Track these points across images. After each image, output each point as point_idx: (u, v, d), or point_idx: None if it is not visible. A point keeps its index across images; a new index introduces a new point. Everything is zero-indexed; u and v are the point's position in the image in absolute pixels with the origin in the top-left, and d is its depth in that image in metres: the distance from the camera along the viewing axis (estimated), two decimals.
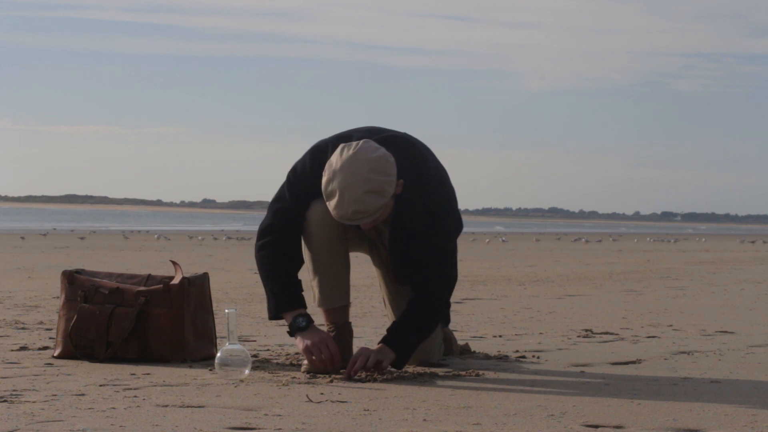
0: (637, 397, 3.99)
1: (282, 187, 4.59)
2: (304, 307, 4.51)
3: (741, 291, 10.54)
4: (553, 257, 20.29)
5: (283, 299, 4.51)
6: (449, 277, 4.55)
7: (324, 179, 4.28)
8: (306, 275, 4.60)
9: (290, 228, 4.55)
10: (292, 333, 4.50)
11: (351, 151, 4.26)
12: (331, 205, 4.27)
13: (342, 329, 4.60)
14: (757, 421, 3.54)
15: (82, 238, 28.01)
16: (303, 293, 4.53)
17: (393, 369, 4.48)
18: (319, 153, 4.51)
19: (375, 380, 4.30)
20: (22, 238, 27.13)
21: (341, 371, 4.47)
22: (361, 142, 4.30)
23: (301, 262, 4.59)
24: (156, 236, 31.13)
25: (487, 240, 35.83)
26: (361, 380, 4.29)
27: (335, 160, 4.27)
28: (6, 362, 4.70)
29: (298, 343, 4.46)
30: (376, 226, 4.61)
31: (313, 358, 4.41)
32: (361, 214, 4.25)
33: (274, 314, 4.53)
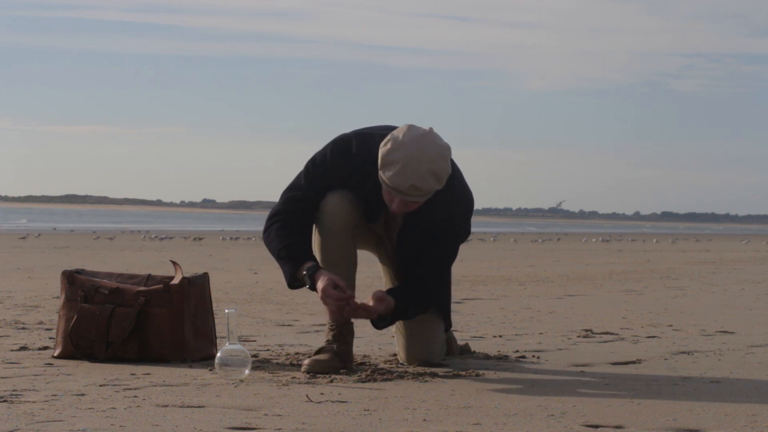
0: (637, 397, 3.99)
1: (298, 176, 4.61)
2: (311, 259, 4.49)
3: (741, 291, 10.54)
4: (554, 257, 20.29)
5: (291, 260, 4.49)
6: (443, 277, 4.64)
7: (386, 148, 4.32)
8: None
9: (301, 211, 4.56)
10: (306, 283, 4.47)
11: (420, 131, 4.34)
12: (387, 173, 4.30)
13: (343, 328, 4.59)
14: (757, 421, 3.54)
15: (111, 238, 27.87)
16: (310, 247, 4.53)
17: (401, 366, 4.60)
18: (342, 145, 4.54)
19: (375, 380, 4.30)
20: (23, 238, 27.12)
21: (342, 370, 4.48)
22: (429, 127, 4.38)
23: (309, 232, 4.58)
24: (142, 236, 31.05)
25: (537, 240, 36.40)
26: (361, 380, 4.30)
27: (402, 134, 4.33)
28: (6, 362, 4.70)
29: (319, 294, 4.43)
30: (388, 220, 4.62)
31: (333, 309, 4.43)
32: (416, 191, 4.30)
33: (289, 280, 4.53)
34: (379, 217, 4.59)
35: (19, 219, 59.01)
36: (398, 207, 4.39)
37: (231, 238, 29.78)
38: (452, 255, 4.62)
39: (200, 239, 29.00)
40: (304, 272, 4.46)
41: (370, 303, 4.45)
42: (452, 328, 5.09)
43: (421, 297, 4.59)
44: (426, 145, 4.30)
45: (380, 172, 4.35)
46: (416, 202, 4.39)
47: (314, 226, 4.59)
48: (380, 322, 4.56)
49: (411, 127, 4.36)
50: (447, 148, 4.36)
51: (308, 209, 4.57)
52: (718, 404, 3.84)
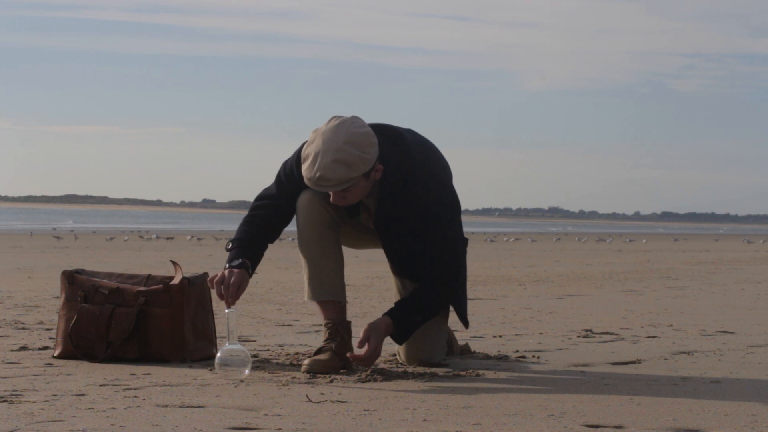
0: (637, 397, 3.99)
1: (276, 176, 4.65)
2: (252, 260, 4.54)
3: (741, 291, 10.54)
4: (553, 257, 20.29)
5: (231, 253, 4.55)
6: (451, 263, 4.55)
7: (306, 143, 4.35)
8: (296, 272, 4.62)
9: (265, 208, 4.62)
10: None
11: (337, 121, 4.33)
12: (303, 167, 4.33)
13: (339, 328, 4.59)
14: (757, 421, 3.54)
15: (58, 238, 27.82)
16: (259, 253, 4.59)
17: (402, 365, 4.58)
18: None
19: (375, 380, 4.29)
20: (40, 234, 27.10)
21: (342, 370, 4.48)
22: (351, 116, 4.37)
23: (265, 231, 4.61)
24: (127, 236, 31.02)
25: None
26: (361, 380, 4.29)
27: (322, 126, 4.35)
28: (6, 362, 4.69)
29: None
30: (369, 213, 4.60)
31: (215, 285, 4.47)
32: (324, 181, 4.28)
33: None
34: (359, 212, 4.59)
35: (66, 220, 60.00)
36: (333, 199, 4.39)
37: (198, 238, 29.79)
38: (447, 236, 4.50)
39: (171, 239, 29.11)
40: (227, 264, 4.51)
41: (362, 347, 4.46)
42: (452, 329, 5.08)
43: (422, 298, 4.54)
44: (336, 135, 4.27)
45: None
46: (347, 191, 4.33)
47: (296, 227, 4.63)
48: (396, 337, 4.55)
49: (331, 119, 4.35)
50: (362, 135, 4.29)
51: (274, 210, 4.60)
52: (718, 404, 3.84)
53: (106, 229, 41.93)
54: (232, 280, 4.45)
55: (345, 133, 4.28)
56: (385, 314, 4.54)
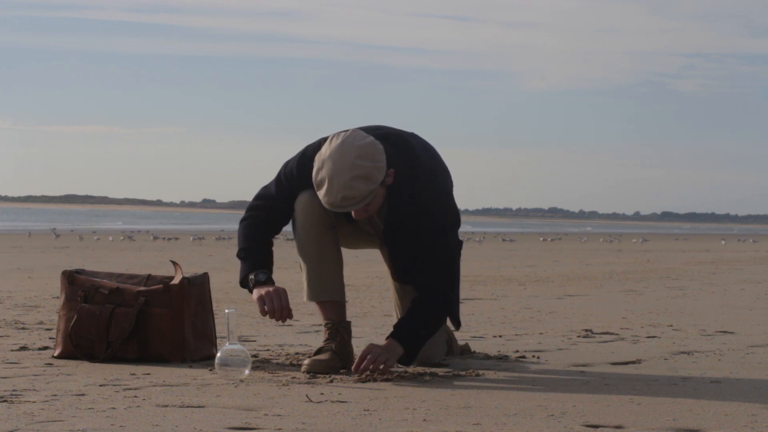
0: (637, 396, 3.99)
1: (276, 178, 4.63)
2: (269, 268, 4.55)
3: (741, 291, 10.54)
4: (553, 257, 20.29)
5: (247, 263, 4.55)
6: (450, 274, 4.54)
7: (314, 170, 4.31)
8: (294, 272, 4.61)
9: (268, 209, 4.60)
10: (249, 287, 4.53)
11: (339, 140, 4.29)
12: (321, 194, 4.28)
13: (339, 328, 4.58)
14: (757, 421, 3.54)
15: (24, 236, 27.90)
16: (272, 257, 4.59)
17: (401, 366, 4.48)
18: (308, 153, 4.52)
19: (375, 380, 4.29)
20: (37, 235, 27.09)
21: (342, 370, 4.47)
22: (350, 130, 4.34)
23: (271, 236, 4.61)
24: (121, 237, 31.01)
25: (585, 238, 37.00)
26: (361, 380, 4.29)
27: (324, 149, 4.30)
28: (6, 362, 4.69)
29: (253, 295, 4.50)
30: (372, 220, 4.61)
31: (265, 308, 4.46)
32: (349, 200, 4.25)
33: (241, 280, 4.58)
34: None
35: (115, 222, 60.76)
36: (356, 215, 4.37)
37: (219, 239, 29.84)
38: (448, 246, 4.50)
39: (176, 239, 29.15)
40: (252, 277, 4.51)
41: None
42: (453, 329, 5.07)
43: (423, 313, 4.51)
44: (344, 153, 4.23)
45: (318, 195, 4.32)
46: (369, 204, 4.31)
47: (292, 228, 4.62)
48: (405, 360, 4.49)
49: (332, 139, 4.30)
50: (368, 145, 4.26)
51: (276, 212, 4.59)
52: (718, 404, 3.84)
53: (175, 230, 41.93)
54: (280, 300, 4.45)
55: (352, 148, 4.24)
56: (387, 337, 4.47)
